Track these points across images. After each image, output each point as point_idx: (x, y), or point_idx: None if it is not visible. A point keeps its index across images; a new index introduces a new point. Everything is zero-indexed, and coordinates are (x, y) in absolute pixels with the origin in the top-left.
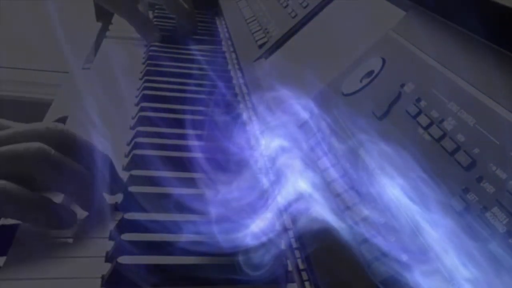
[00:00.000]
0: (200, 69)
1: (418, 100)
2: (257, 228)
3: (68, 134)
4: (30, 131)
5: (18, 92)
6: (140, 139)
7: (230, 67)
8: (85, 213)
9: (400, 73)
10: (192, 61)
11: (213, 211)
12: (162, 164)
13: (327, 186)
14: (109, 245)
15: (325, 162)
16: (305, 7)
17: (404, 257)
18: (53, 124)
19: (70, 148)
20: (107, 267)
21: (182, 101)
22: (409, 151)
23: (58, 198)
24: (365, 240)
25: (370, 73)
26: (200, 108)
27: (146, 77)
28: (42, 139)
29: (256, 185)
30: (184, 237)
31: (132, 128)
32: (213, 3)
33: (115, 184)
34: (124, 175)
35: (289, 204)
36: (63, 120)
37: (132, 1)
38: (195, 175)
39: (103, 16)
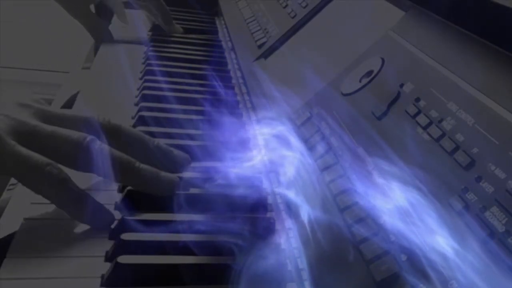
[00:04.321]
0: (200, 69)
1: (417, 100)
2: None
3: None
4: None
5: (18, 92)
6: None
7: (229, 67)
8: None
9: (399, 73)
10: (191, 61)
11: None
12: None
13: (326, 186)
14: (109, 244)
15: (325, 161)
16: (304, 7)
17: (403, 257)
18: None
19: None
20: (107, 267)
21: (182, 101)
22: (408, 150)
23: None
24: (364, 240)
25: (369, 73)
26: (200, 108)
27: (145, 77)
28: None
29: (257, 184)
30: (183, 237)
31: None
32: (213, 3)
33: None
34: None
35: (288, 203)
36: (74, 97)
37: (84, 1)
38: (194, 175)
39: (103, 15)
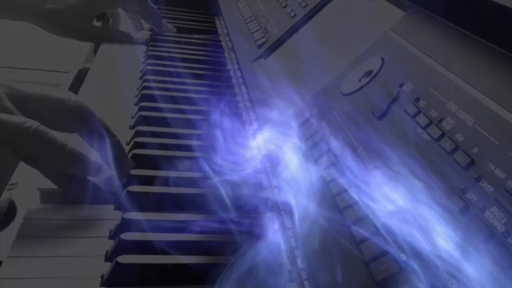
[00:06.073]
0: (200, 68)
1: (417, 99)
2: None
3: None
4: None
5: None
6: (140, 139)
7: (229, 66)
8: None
9: (399, 72)
10: (191, 61)
11: None
12: (162, 163)
13: (326, 185)
14: (109, 244)
15: (324, 161)
16: (304, 7)
17: (403, 257)
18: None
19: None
20: (107, 267)
21: (181, 100)
22: (408, 150)
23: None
24: (364, 240)
25: (369, 72)
26: (199, 107)
27: (145, 77)
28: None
29: (256, 184)
30: (183, 237)
31: (131, 127)
32: (213, 3)
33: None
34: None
35: (287, 202)
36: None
37: (82, 22)
38: (194, 175)
39: (103, 15)
